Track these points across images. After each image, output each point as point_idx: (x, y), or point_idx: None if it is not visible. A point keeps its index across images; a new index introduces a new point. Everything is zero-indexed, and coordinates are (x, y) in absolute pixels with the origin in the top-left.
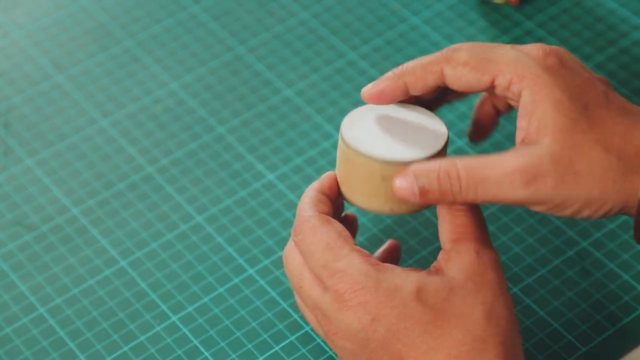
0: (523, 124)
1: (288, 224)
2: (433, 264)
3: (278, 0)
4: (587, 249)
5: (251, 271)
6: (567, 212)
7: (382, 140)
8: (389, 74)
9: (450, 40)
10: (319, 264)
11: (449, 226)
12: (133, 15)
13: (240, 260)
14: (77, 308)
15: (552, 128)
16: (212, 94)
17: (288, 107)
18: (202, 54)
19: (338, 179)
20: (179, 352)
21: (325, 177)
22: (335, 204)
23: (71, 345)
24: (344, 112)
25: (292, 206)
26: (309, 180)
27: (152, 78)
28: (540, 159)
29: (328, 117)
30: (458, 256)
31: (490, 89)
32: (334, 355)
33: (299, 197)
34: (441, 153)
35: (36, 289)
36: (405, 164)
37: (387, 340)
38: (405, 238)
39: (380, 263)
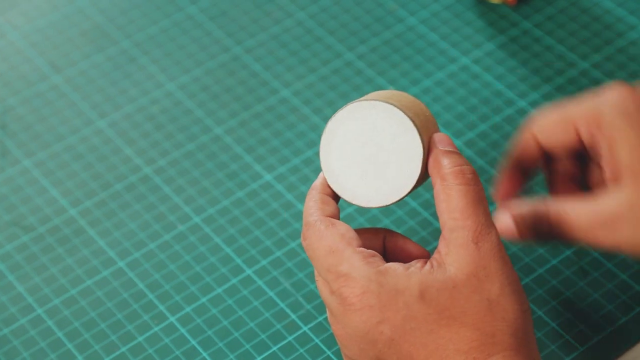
0: (604, 166)
1: (286, 224)
2: (434, 256)
3: (275, 1)
4: (584, 249)
5: (249, 271)
6: None
7: (358, 178)
8: (504, 167)
9: (448, 40)
10: (324, 268)
11: (445, 211)
12: (129, 16)
13: (238, 261)
14: (75, 309)
15: (626, 175)
16: (209, 95)
17: (285, 108)
18: (198, 55)
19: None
20: (177, 352)
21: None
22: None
23: (69, 346)
24: None
25: (290, 206)
26: (306, 180)
27: (149, 79)
28: (619, 209)
29: (325, 118)
30: (457, 250)
31: (581, 144)
32: (332, 355)
33: (296, 197)
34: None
35: (34, 290)
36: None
37: (394, 342)
38: None
39: (384, 263)
